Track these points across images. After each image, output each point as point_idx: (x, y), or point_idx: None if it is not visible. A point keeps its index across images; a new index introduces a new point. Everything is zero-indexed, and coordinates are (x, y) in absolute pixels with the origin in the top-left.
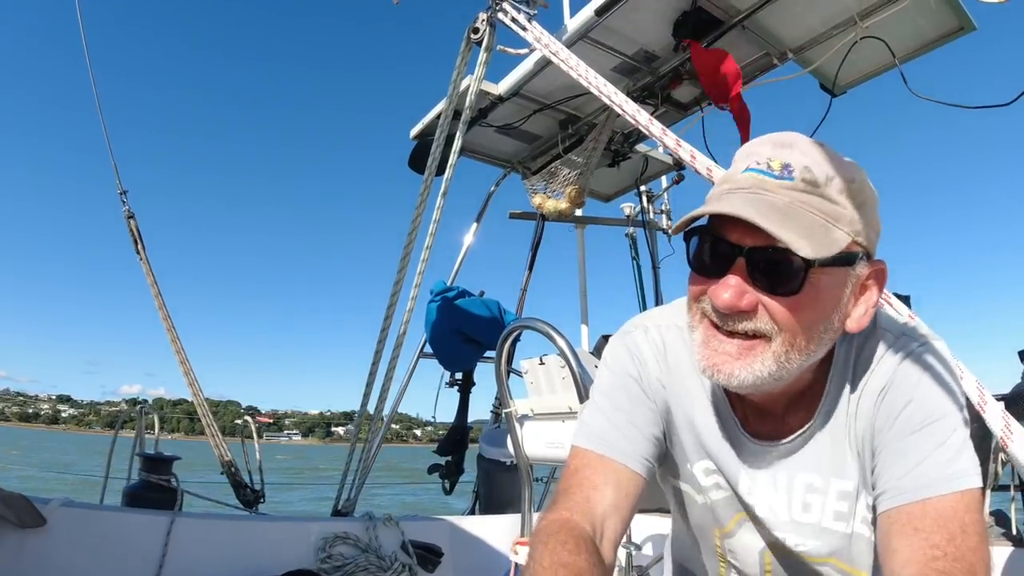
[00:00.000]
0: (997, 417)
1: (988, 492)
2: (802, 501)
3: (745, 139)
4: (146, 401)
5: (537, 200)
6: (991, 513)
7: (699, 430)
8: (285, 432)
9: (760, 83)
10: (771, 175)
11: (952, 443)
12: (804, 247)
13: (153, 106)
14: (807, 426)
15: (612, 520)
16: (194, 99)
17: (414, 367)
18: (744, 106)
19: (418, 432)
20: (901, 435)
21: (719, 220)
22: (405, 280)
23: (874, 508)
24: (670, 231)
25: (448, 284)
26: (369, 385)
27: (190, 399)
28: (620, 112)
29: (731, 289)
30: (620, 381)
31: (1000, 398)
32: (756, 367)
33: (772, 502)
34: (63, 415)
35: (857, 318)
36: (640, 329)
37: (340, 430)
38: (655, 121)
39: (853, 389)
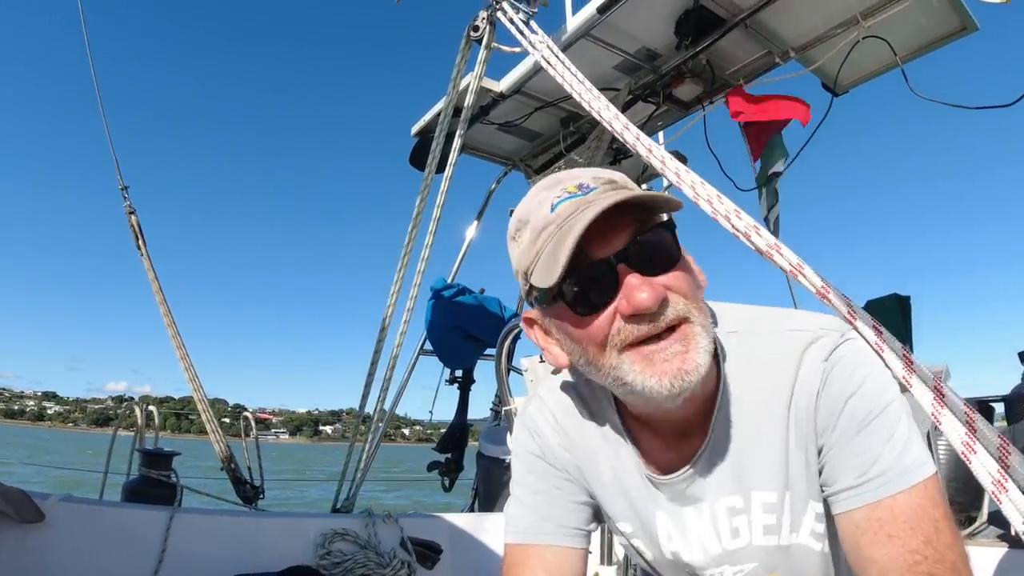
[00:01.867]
0: (925, 392)
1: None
2: (729, 527)
3: (753, 145)
4: (132, 398)
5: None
6: (989, 514)
7: (610, 487)
8: (273, 431)
9: (762, 82)
10: (577, 196)
11: (901, 433)
12: (662, 207)
13: (138, 87)
14: (707, 440)
15: None
16: (183, 85)
17: (414, 364)
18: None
19: (407, 431)
20: (848, 434)
21: (577, 252)
22: (405, 277)
23: (826, 512)
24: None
25: (449, 281)
26: (369, 383)
27: (177, 397)
28: (604, 122)
29: (640, 286)
30: (527, 464)
31: (1000, 399)
32: (701, 345)
33: (702, 537)
34: (49, 412)
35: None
36: (534, 402)
37: (328, 429)
38: (635, 129)
39: (765, 391)
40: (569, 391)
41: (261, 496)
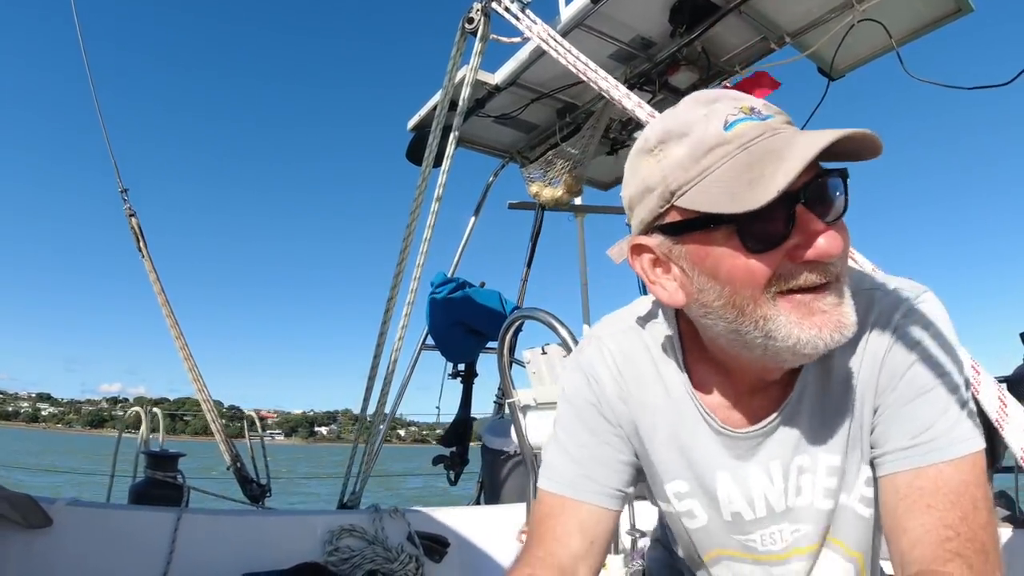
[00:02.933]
0: (992, 397)
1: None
2: (796, 485)
3: None
4: (127, 399)
5: (534, 189)
6: (995, 495)
7: (665, 443)
8: (268, 432)
9: (758, 68)
10: (755, 119)
11: (956, 405)
12: (871, 151)
13: (133, 81)
14: (787, 401)
15: (582, 569)
16: (178, 78)
17: (416, 359)
18: None
19: (402, 432)
20: (905, 398)
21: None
22: (405, 272)
23: (872, 473)
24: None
25: (448, 275)
26: (371, 378)
27: (172, 398)
28: (615, 100)
29: (826, 231)
30: (578, 412)
31: (1001, 380)
32: (851, 303)
33: (768, 494)
34: (43, 413)
35: None
36: (593, 343)
37: (324, 430)
38: (647, 107)
39: (844, 352)
40: (632, 336)
41: (268, 494)
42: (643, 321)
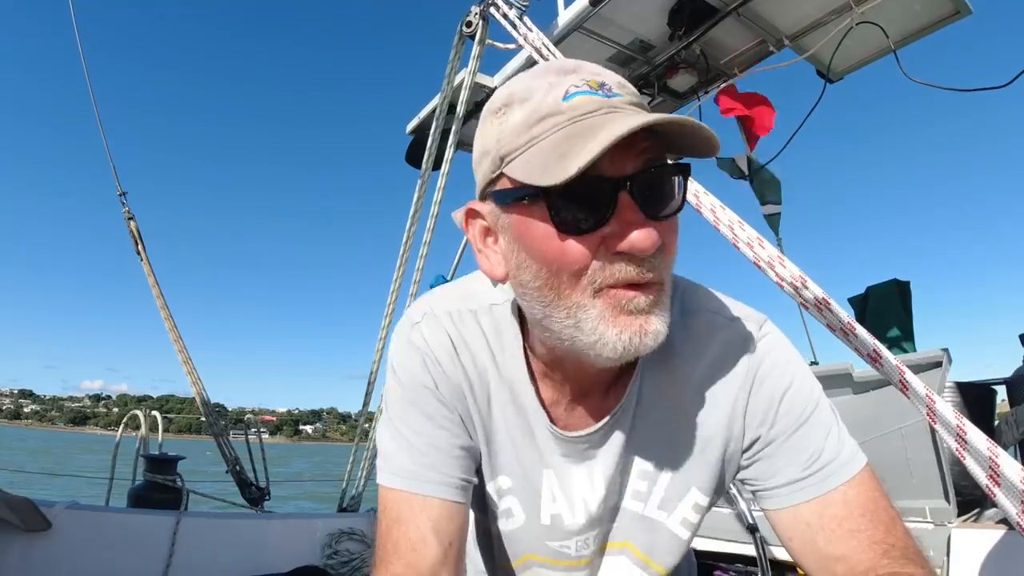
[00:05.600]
0: (892, 368)
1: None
2: (617, 494)
3: (749, 135)
4: (109, 397)
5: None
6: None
7: (500, 433)
8: (252, 430)
9: (756, 71)
10: (598, 94)
11: (835, 427)
12: (698, 148)
13: (132, 85)
14: (616, 409)
15: (444, 573)
16: (177, 82)
17: None
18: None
19: None
20: (787, 431)
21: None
22: (404, 275)
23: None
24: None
25: (448, 278)
26: (372, 380)
27: (155, 396)
28: None
29: (644, 224)
30: (412, 395)
31: (1001, 381)
32: (665, 315)
33: (587, 498)
34: (25, 410)
35: None
36: (429, 321)
37: (309, 428)
38: None
39: (680, 373)
40: (467, 318)
41: (267, 498)
42: (478, 302)
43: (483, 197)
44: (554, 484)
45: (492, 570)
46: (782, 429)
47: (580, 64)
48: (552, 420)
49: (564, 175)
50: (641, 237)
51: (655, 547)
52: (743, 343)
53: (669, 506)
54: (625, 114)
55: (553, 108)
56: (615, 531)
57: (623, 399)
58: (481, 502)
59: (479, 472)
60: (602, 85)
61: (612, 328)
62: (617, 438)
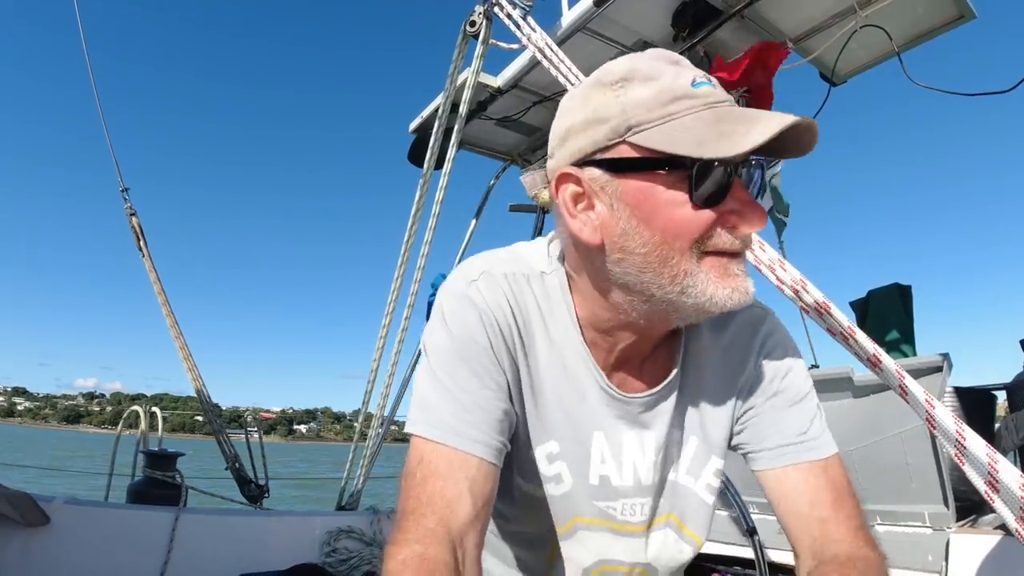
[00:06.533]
0: (892, 373)
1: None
2: (664, 460)
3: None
4: (103, 395)
5: (534, 191)
6: None
7: (548, 395)
8: (247, 429)
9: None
10: (718, 90)
11: (819, 417)
12: (807, 145)
13: (134, 84)
14: (672, 376)
15: (471, 536)
16: (179, 81)
17: (416, 360)
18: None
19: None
20: (780, 406)
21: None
22: (406, 275)
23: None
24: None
25: None
26: (372, 380)
27: (149, 394)
28: None
29: (759, 208)
30: (464, 351)
31: (1002, 387)
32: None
33: (637, 464)
34: (19, 408)
35: None
36: (487, 279)
37: (303, 428)
38: None
39: (709, 345)
40: (521, 280)
41: (266, 495)
42: (530, 268)
43: (582, 163)
44: (604, 446)
45: (539, 536)
46: (778, 403)
47: (681, 57)
48: (607, 381)
49: (734, 150)
50: (759, 216)
51: (687, 515)
52: (756, 321)
53: (696, 471)
54: (776, 120)
55: (686, 92)
56: (662, 502)
57: (676, 368)
58: (526, 469)
59: (526, 438)
60: (712, 82)
61: (723, 289)
62: (668, 403)
